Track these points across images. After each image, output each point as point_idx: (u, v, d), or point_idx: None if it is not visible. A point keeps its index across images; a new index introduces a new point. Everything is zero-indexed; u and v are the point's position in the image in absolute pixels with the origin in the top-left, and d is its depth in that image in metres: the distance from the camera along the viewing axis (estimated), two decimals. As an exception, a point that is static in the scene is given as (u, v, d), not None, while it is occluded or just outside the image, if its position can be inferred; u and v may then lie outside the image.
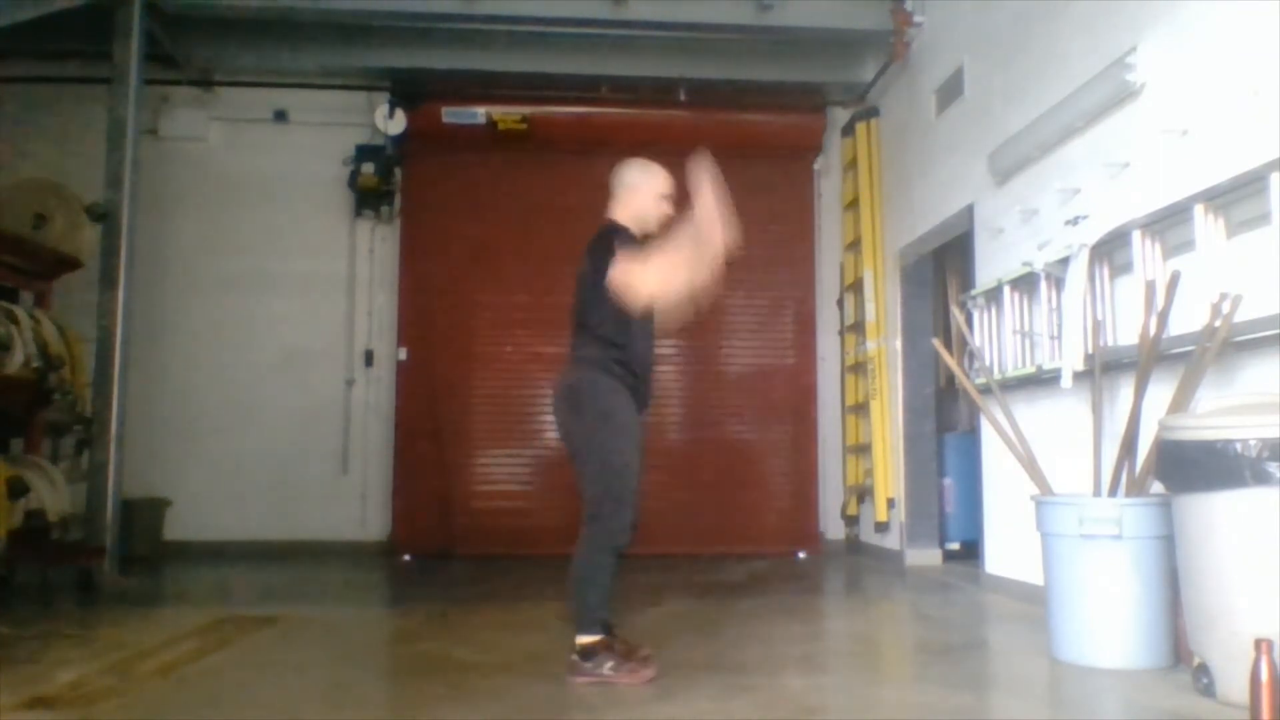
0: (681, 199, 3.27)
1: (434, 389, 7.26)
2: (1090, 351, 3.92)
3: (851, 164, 7.28)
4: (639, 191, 3.44)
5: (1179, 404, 3.24)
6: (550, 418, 7.60)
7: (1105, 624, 3.27)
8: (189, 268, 7.26)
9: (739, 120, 7.57)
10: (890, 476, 6.61)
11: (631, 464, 3.15)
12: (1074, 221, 4.23)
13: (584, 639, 3.07)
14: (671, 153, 7.63)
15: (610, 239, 3.25)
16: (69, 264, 5.89)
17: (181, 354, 7.19)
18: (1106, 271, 4.03)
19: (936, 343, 4.89)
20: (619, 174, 3.49)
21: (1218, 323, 3.13)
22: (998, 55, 5.18)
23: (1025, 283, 4.54)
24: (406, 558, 6.91)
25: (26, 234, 5.72)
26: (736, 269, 7.48)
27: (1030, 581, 4.34)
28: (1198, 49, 3.52)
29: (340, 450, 7.27)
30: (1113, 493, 3.54)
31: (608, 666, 3.04)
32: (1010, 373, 4.61)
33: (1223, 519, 2.71)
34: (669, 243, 3.16)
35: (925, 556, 6.30)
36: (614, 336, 3.24)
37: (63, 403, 5.53)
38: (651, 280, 3.11)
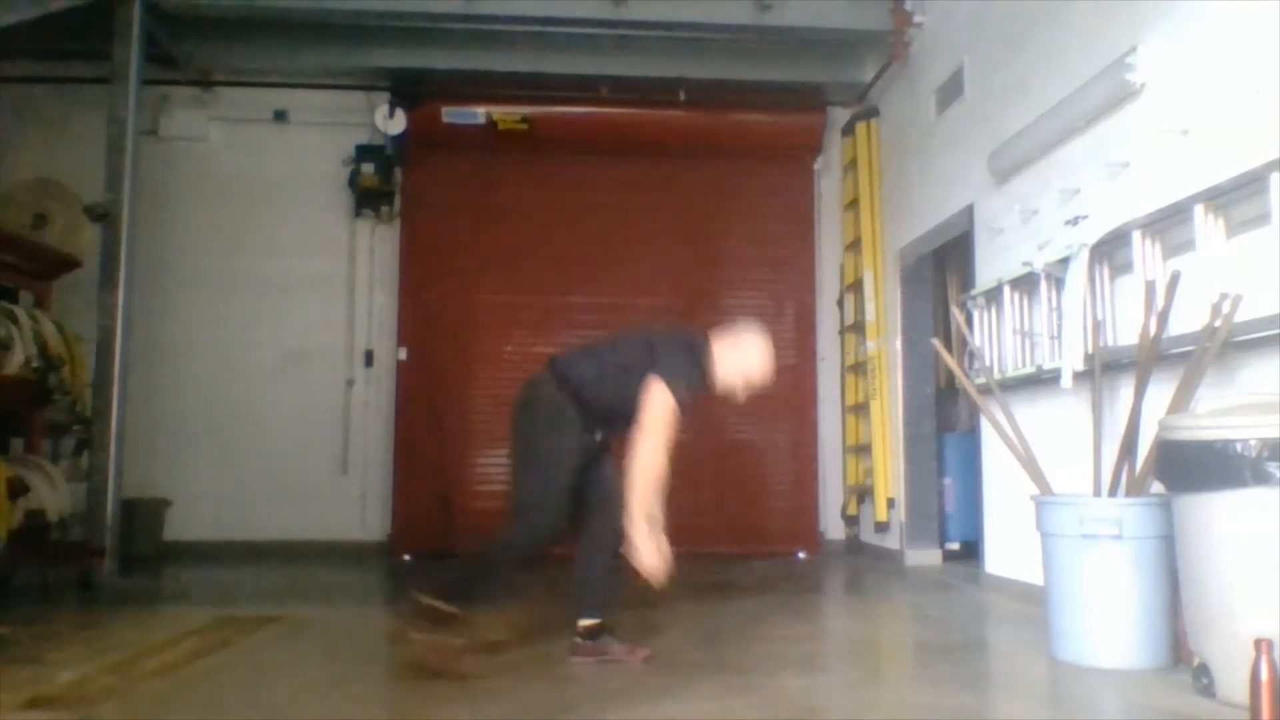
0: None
1: (434, 389, 7.26)
2: (1090, 351, 3.92)
3: (851, 164, 7.28)
4: (743, 358, 3.44)
5: (1179, 404, 3.24)
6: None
7: (1105, 624, 3.27)
8: (189, 268, 7.26)
9: (739, 120, 7.58)
10: (890, 476, 6.61)
11: (559, 477, 3.24)
12: (1074, 221, 4.23)
13: (586, 621, 3.31)
14: (672, 153, 7.72)
15: (690, 363, 3.28)
16: (69, 264, 5.89)
17: (182, 354, 7.19)
18: (1106, 271, 4.03)
19: (936, 343, 4.89)
20: (749, 329, 3.50)
21: (1218, 323, 3.13)
22: (997, 55, 5.18)
23: (1025, 283, 4.54)
24: (406, 558, 6.91)
25: (26, 234, 5.72)
26: (737, 269, 7.59)
27: (1030, 581, 4.34)
28: (1198, 49, 3.52)
29: (340, 450, 7.27)
30: (1113, 493, 3.54)
31: (613, 646, 3.31)
32: (1010, 373, 4.61)
33: (1223, 519, 2.71)
34: (657, 467, 3.20)
35: (925, 556, 6.30)
36: (610, 404, 3.31)
37: (63, 403, 5.53)
38: (649, 447, 3.17)
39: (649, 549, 3.03)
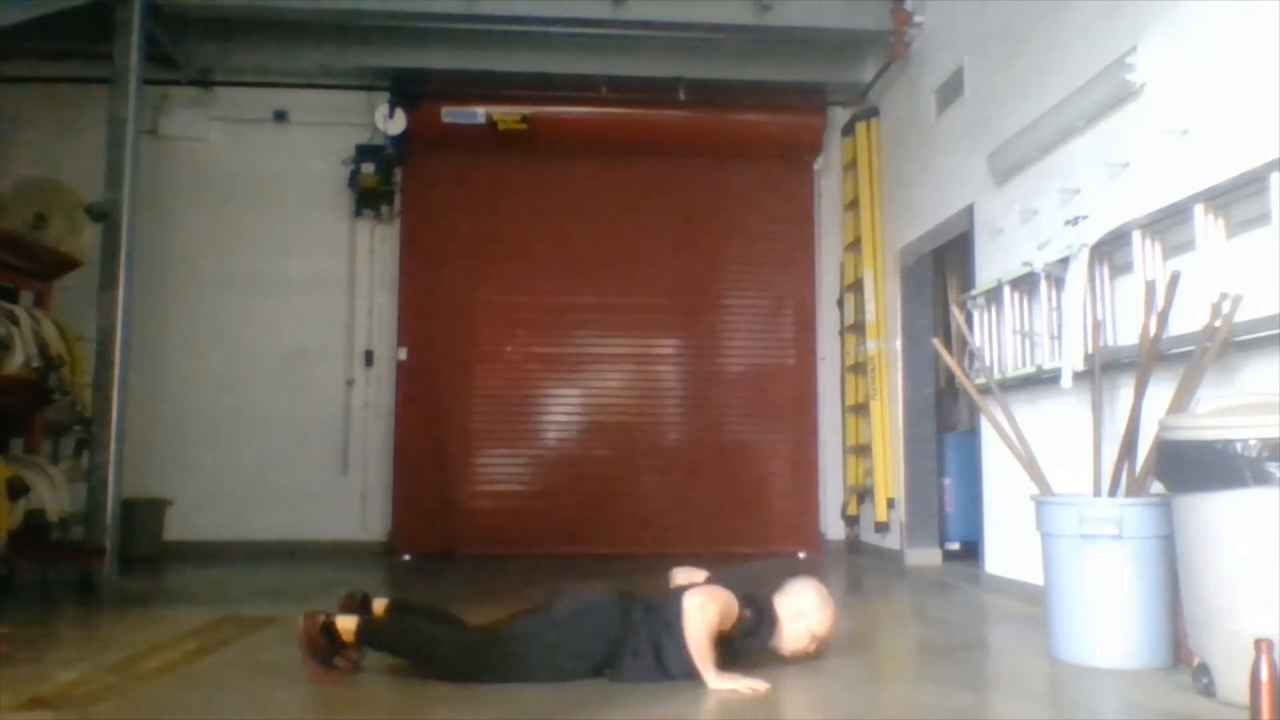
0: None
1: (434, 389, 7.26)
2: (1090, 351, 3.92)
3: (851, 164, 7.29)
4: (804, 619, 3.24)
5: (1179, 404, 3.24)
6: (549, 418, 7.63)
7: (1105, 624, 3.27)
8: (189, 268, 7.26)
9: (739, 120, 7.58)
10: (890, 476, 6.61)
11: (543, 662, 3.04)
12: (1074, 221, 4.23)
13: None
14: (672, 153, 7.73)
15: (752, 621, 3.12)
16: (69, 264, 5.89)
17: (181, 354, 7.19)
18: (1106, 271, 4.03)
19: (936, 343, 4.89)
20: (808, 590, 3.30)
21: (1218, 323, 3.13)
22: (998, 55, 5.18)
23: (1025, 283, 4.54)
24: (406, 558, 6.91)
25: (26, 234, 5.72)
26: (737, 269, 7.60)
27: (1030, 581, 4.34)
28: (1198, 49, 3.52)
29: (340, 450, 7.27)
30: (1113, 493, 3.54)
31: None
32: (1010, 373, 4.61)
33: (1223, 519, 2.71)
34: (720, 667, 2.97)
35: (925, 556, 6.31)
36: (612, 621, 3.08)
37: (63, 403, 5.53)
38: (696, 636, 2.94)
39: (729, 684, 2.89)
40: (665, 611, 3.04)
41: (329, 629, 3.04)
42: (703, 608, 2.96)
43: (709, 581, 3.22)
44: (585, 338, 7.48)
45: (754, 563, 3.29)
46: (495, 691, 2.95)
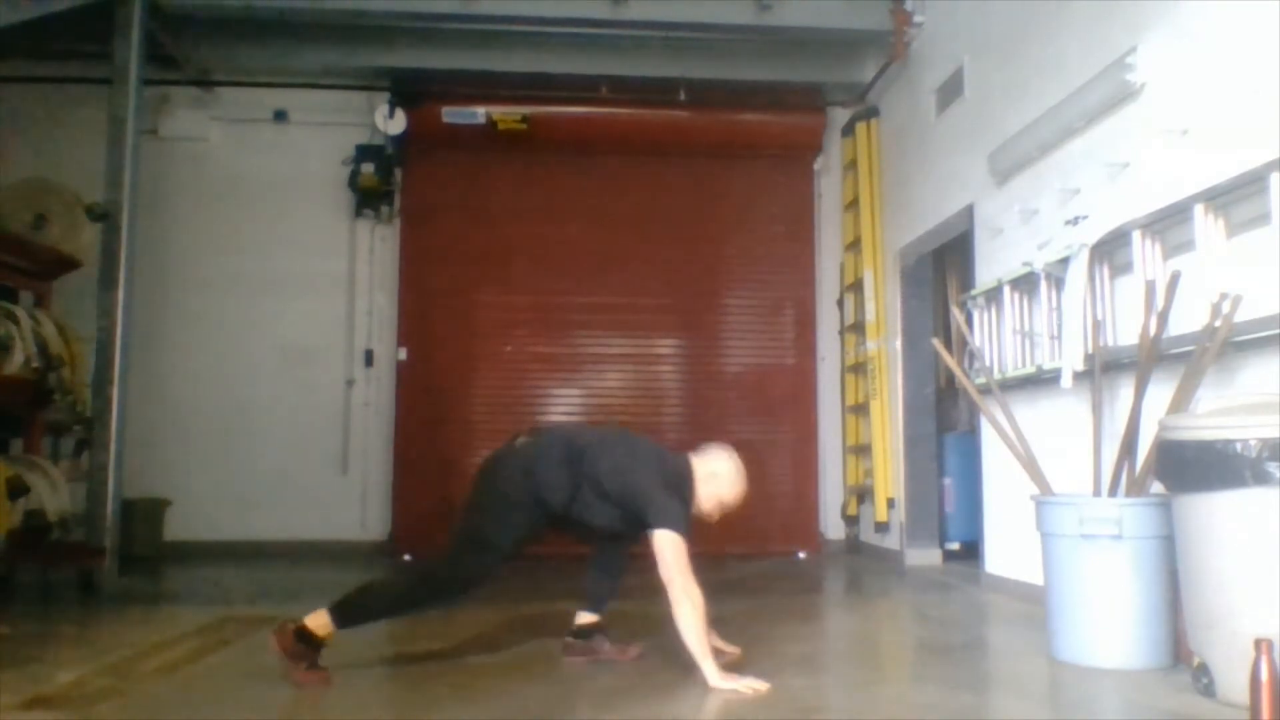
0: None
1: (434, 389, 7.26)
2: (1090, 351, 3.92)
3: (851, 164, 7.29)
4: (718, 484, 3.38)
5: (1179, 404, 3.24)
6: (549, 417, 7.64)
7: (1105, 624, 3.27)
8: (189, 268, 7.26)
9: (739, 120, 7.58)
10: (890, 476, 6.61)
11: (496, 539, 3.17)
12: (1074, 221, 4.23)
13: (583, 619, 3.39)
14: (672, 153, 7.72)
15: (675, 501, 3.18)
16: (69, 264, 5.89)
17: (182, 354, 7.19)
18: (1106, 271, 4.03)
19: (936, 343, 4.89)
20: (723, 454, 3.43)
21: (1218, 323, 3.13)
22: (997, 55, 5.18)
23: (1025, 283, 4.54)
24: (406, 557, 6.90)
25: (26, 234, 5.72)
26: (737, 269, 7.60)
27: (1030, 581, 4.34)
28: (1198, 49, 3.52)
29: (340, 450, 7.27)
30: (1113, 493, 3.54)
31: (604, 645, 3.32)
32: (1010, 373, 4.61)
33: (1223, 519, 2.71)
34: (698, 620, 3.03)
35: (925, 556, 6.31)
36: (566, 511, 3.21)
37: (63, 403, 5.53)
38: (682, 593, 3.03)
39: (731, 684, 2.91)
40: (591, 466, 3.15)
41: (302, 633, 3.01)
42: (677, 564, 3.01)
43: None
44: (585, 338, 7.48)
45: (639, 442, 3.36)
46: (495, 691, 2.95)
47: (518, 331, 7.39)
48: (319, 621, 3.02)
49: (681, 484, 3.26)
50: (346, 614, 3.07)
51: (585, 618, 3.40)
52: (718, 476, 3.35)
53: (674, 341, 7.57)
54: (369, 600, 3.18)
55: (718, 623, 4.27)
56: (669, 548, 3.02)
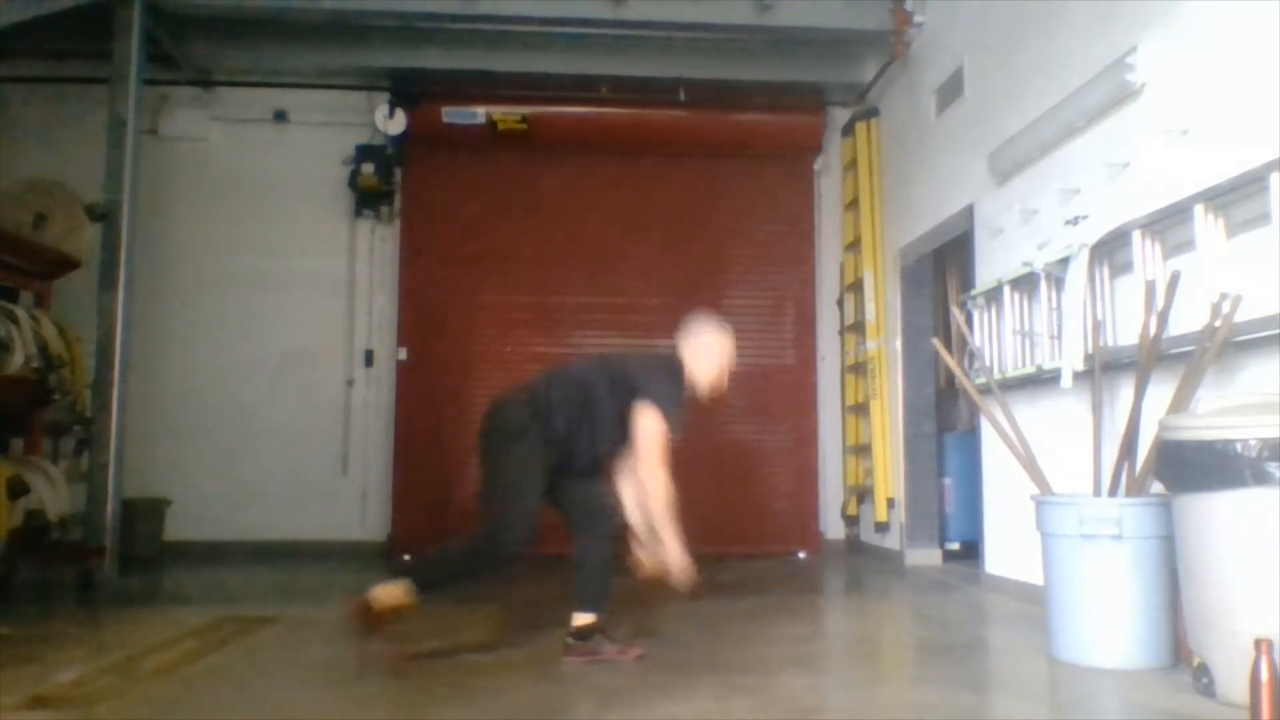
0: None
1: (434, 389, 7.26)
2: (1090, 351, 3.92)
3: (851, 164, 7.28)
4: (714, 355, 3.61)
5: (1179, 404, 3.24)
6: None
7: (1105, 624, 3.27)
8: (189, 268, 7.26)
9: (739, 120, 7.58)
10: (890, 476, 6.61)
11: (521, 494, 3.31)
12: (1074, 221, 4.23)
13: (581, 619, 3.33)
14: (672, 153, 7.72)
15: (673, 385, 3.40)
16: (69, 264, 5.89)
17: (182, 354, 7.19)
18: (1106, 271, 4.03)
19: (936, 343, 4.89)
20: (704, 325, 3.67)
21: (1218, 323, 3.13)
22: (997, 55, 5.18)
23: (1025, 283, 4.54)
24: (406, 557, 6.89)
25: (26, 234, 5.72)
26: (737, 269, 7.60)
27: (1030, 581, 4.34)
28: (1198, 49, 3.52)
29: (340, 450, 7.27)
30: (1113, 493, 3.54)
31: (605, 646, 3.32)
32: (1010, 373, 4.61)
33: (1223, 519, 2.71)
34: (663, 488, 3.28)
35: (925, 556, 6.31)
36: (572, 423, 3.36)
37: (63, 403, 5.53)
38: (650, 472, 3.26)
39: (679, 564, 3.13)
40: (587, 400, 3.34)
41: (370, 608, 3.14)
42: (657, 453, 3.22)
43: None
44: (585, 338, 7.47)
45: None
46: (495, 691, 2.96)
47: (518, 331, 7.39)
48: (390, 592, 3.16)
49: (679, 376, 3.44)
50: (585, 601, 3.26)
51: (583, 618, 3.40)
52: (706, 348, 3.54)
53: (674, 341, 7.56)
54: (435, 568, 3.32)
55: (719, 622, 4.28)
56: (651, 425, 3.22)
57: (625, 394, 3.34)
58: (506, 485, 3.29)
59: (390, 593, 3.18)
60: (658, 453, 3.25)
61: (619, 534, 3.34)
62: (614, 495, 3.44)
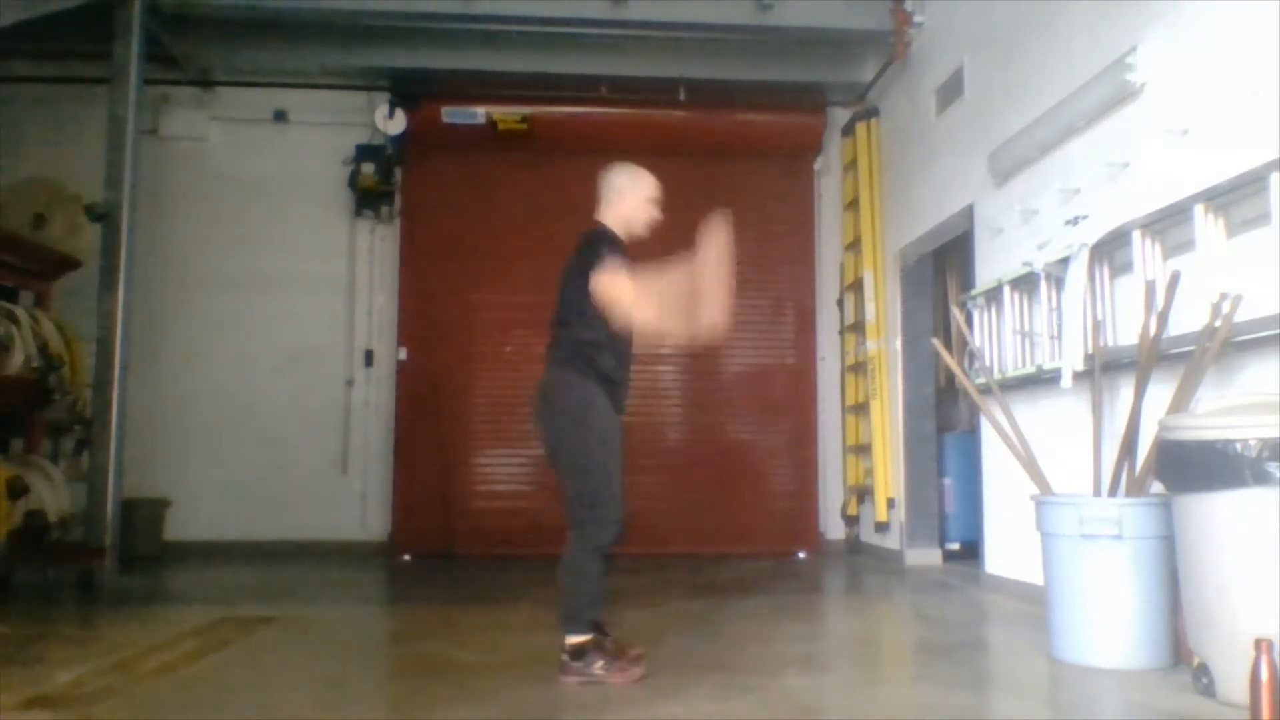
0: (690, 244, 3.37)
1: (434, 389, 7.26)
2: (1090, 351, 3.92)
3: (851, 164, 7.28)
4: (627, 195, 3.52)
5: (1179, 404, 3.24)
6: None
7: (1105, 624, 3.27)
8: (189, 268, 7.26)
9: (739, 120, 7.57)
10: (890, 476, 6.61)
11: (608, 465, 3.17)
12: (1074, 221, 4.23)
13: (573, 639, 3.10)
14: (672, 153, 7.72)
15: (599, 245, 3.31)
16: (69, 264, 5.90)
17: (181, 354, 7.19)
18: (1106, 271, 4.03)
19: (936, 343, 4.89)
20: (607, 177, 3.54)
21: (1218, 323, 3.13)
22: (998, 55, 5.18)
23: (1025, 283, 4.54)
24: (406, 557, 6.91)
25: (26, 234, 5.72)
26: (737, 269, 7.57)
27: (1030, 581, 4.34)
28: (1198, 49, 3.52)
29: (340, 450, 7.27)
30: (1113, 493, 3.54)
31: (598, 666, 3.07)
32: (1010, 373, 4.61)
33: (1223, 519, 2.71)
34: (661, 276, 3.23)
35: (925, 556, 6.30)
36: (591, 337, 3.32)
37: (63, 403, 5.54)
38: (630, 300, 3.20)
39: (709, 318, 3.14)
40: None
41: (579, 649, 3.07)
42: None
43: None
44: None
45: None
46: (495, 691, 2.96)
47: (518, 331, 7.38)
48: (578, 639, 3.06)
49: (609, 237, 3.41)
50: (576, 619, 3.10)
51: (576, 638, 3.11)
52: (621, 191, 3.50)
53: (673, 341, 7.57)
54: (576, 598, 3.12)
55: (719, 622, 4.28)
56: (607, 285, 3.22)
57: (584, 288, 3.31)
58: (587, 459, 3.18)
59: (576, 642, 3.07)
60: (628, 296, 3.20)
61: (614, 539, 3.14)
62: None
